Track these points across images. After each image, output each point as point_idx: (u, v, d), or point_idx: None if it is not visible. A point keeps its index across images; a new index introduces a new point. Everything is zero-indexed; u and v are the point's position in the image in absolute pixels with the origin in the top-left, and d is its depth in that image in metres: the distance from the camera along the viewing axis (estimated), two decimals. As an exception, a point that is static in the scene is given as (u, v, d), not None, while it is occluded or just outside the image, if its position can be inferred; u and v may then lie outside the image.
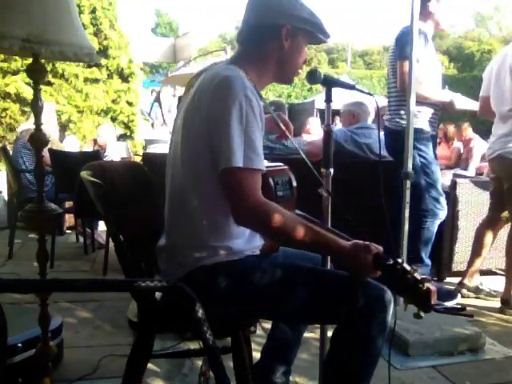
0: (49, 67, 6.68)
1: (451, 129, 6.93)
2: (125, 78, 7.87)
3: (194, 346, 2.18)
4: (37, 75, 1.52)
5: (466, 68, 26.58)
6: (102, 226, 4.29)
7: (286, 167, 1.57)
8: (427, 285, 1.14)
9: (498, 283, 3.16)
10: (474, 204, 3.47)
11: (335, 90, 1.51)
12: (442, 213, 3.02)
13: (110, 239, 1.78)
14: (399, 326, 2.28)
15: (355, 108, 3.26)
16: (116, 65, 7.66)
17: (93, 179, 1.37)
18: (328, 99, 1.52)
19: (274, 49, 1.41)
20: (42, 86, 1.57)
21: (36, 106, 1.53)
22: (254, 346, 1.78)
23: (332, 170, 1.53)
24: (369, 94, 1.62)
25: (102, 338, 2.44)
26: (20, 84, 6.69)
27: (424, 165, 2.90)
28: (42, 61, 1.51)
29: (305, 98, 17.25)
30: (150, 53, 10.86)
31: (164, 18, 37.80)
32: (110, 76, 7.70)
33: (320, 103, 11.58)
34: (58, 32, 1.42)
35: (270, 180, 1.41)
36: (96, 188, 1.36)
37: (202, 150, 1.29)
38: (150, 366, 1.89)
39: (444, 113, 3.10)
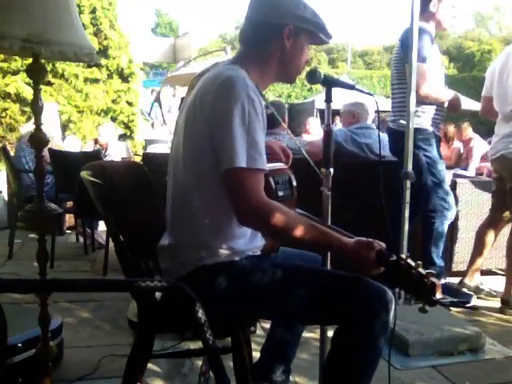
0: (49, 67, 6.68)
1: (451, 129, 6.92)
2: (125, 78, 7.88)
3: (193, 345, 2.19)
4: (37, 75, 1.52)
5: (466, 68, 26.58)
6: (102, 226, 4.30)
7: (286, 167, 1.57)
8: (432, 279, 1.15)
9: (498, 283, 3.16)
10: (474, 204, 3.47)
11: (335, 90, 1.51)
12: (451, 212, 2.99)
13: (110, 239, 1.78)
14: (399, 326, 2.28)
15: (355, 108, 3.26)
16: (116, 65, 7.66)
17: (93, 179, 1.37)
18: (328, 99, 1.52)
19: (276, 48, 1.41)
20: (42, 86, 1.57)
21: (36, 106, 1.53)
22: (253, 345, 1.78)
23: (332, 170, 1.53)
24: (369, 93, 1.62)
25: (102, 338, 2.44)
26: (20, 84, 6.69)
27: (429, 164, 2.88)
28: (42, 61, 1.52)
29: (305, 97, 17.24)
30: (150, 53, 10.86)
31: (164, 17, 37.80)
32: (110, 76, 7.70)
33: (320, 103, 11.57)
34: (58, 32, 1.42)
35: (271, 179, 1.42)
36: (96, 188, 1.36)
37: (204, 150, 1.29)
38: (150, 365, 1.89)
39: (449, 113, 3.07)
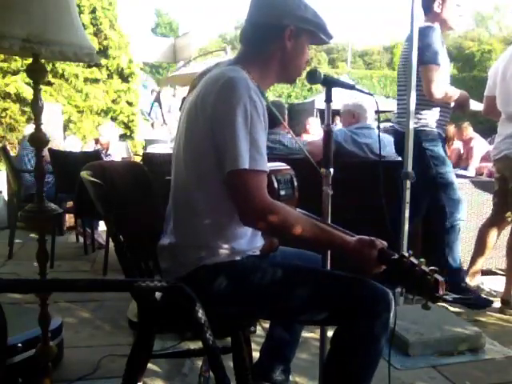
0: (49, 67, 6.69)
1: (451, 129, 6.91)
2: (125, 78, 7.89)
3: (193, 345, 2.19)
4: (37, 75, 1.52)
5: (466, 68, 26.54)
6: (102, 226, 4.30)
7: (287, 167, 1.58)
8: (435, 276, 1.16)
9: (498, 283, 3.16)
10: (474, 204, 3.47)
11: (335, 90, 1.51)
12: (462, 213, 2.94)
13: (110, 239, 1.78)
14: (399, 325, 2.28)
15: (355, 108, 3.26)
16: (116, 65, 7.67)
17: (93, 179, 1.37)
18: (328, 99, 1.52)
19: (277, 49, 1.41)
20: (42, 86, 1.57)
21: (36, 106, 1.53)
22: (253, 345, 1.78)
23: (332, 170, 1.53)
24: (369, 93, 1.62)
25: (102, 338, 2.44)
26: (20, 84, 6.70)
27: (436, 165, 2.86)
28: (42, 61, 1.52)
29: (305, 97, 17.25)
30: (150, 53, 10.87)
31: (164, 17, 37.76)
32: (110, 76, 7.71)
33: (320, 103, 11.59)
34: (58, 32, 1.42)
35: (273, 178, 1.42)
36: (96, 188, 1.36)
37: (205, 150, 1.29)
38: (150, 365, 1.89)
39: (454, 112, 3.04)
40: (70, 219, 4.83)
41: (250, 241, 1.38)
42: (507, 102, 2.84)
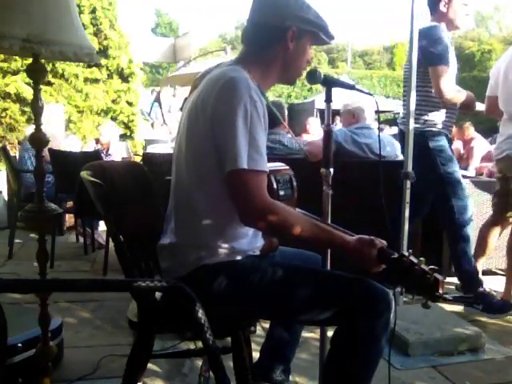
0: (49, 67, 6.69)
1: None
2: (125, 78, 7.89)
3: (193, 346, 2.19)
4: (37, 75, 1.52)
5: (466, 68, 26.54)
6: (102, 226, 4.30)
7: (286, 167, 1.58)
8: (435, 275, 1.16)
9: (498, 283, 3.16)
10: (475, 204, 3.46)
11: (335, 90, 1.51)
12: (468, 214, 2.86)
13: (110, 239, 1.78)
14: (399, 325, 2.28)
15: (355, 108, 3.26)
16: (116, 65, 7.67)
17: (93, 179, 1.37)
18: (328, 99, 1.52)
19: (279, 50, 1.41)
20: (42, 86, 1.57)
21: (36, 106, 1.53)
22: (253, 345, 1.78)
23: (332, 170, 1.53)
24: (369, 93, 1.62)
25: (102, 338, 2.44)
26: (20, 84, 6.71)
27: (443, 165, 2.84)
28: (42, 61, 1.52)
29: (305, 97, 17.26)
30: (150, 53, 10.88)
31: (164, 17, 37.78)
32: (110, 76, 7.72)
33: (320, 103, 11.58)
34: (58, 32, 1.42)
35: (273, 178, 1.43)
36: (96, 188, 1.36)
37: (206, 150, 1.29)
38: (150, 365, 1.89)
39: (460, 113, 3.03)
40: (70, 219, 4.82)
41: (251, 240, 1.39)
42: (509, 102, 2.83)
